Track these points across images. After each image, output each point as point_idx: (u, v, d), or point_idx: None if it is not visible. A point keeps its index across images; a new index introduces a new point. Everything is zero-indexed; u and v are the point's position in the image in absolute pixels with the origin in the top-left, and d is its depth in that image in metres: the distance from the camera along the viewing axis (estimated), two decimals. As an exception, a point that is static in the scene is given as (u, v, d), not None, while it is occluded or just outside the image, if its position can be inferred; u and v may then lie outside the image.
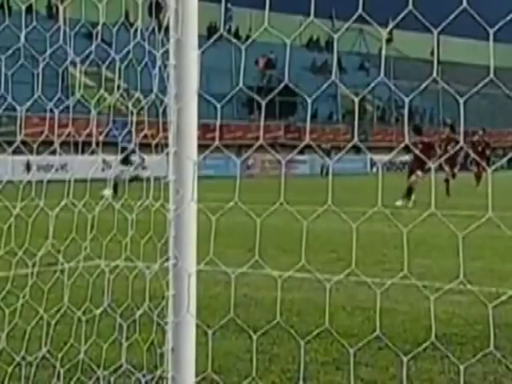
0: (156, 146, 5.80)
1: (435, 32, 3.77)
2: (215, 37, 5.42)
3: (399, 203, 22.71)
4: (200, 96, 5.25)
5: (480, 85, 3.64)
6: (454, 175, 38.91)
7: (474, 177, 32.85)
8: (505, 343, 6.81)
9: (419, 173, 24.45)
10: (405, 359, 5.97)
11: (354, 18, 4.06)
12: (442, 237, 12.53)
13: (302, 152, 45.60)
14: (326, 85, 4.61)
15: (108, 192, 18.14)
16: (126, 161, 22.30)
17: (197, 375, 5.26)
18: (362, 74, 69.17)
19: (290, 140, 54.32)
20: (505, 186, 26.01)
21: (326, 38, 72.01)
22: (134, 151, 16.67)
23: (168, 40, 5.21)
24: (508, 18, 3.51)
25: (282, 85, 4.94)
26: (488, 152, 34.48)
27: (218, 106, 4.90)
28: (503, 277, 9.64)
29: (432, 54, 68.33)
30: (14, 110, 6.08)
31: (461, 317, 7.75)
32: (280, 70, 59.97)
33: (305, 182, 35.68)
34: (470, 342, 6.72)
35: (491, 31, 3.61)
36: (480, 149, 33.78)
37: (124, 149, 17.89)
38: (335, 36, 4.41)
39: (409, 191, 24.08)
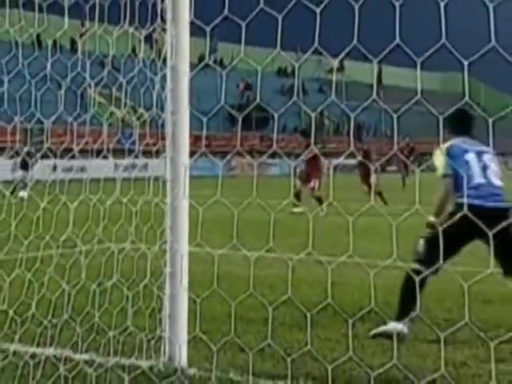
0: (156, 151, 5.78)
1: (375, 61, 3.78)
2: (202, 64, 5.40)
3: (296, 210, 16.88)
4: (191, 112, 5.23)
5: (410, 103, 3.66)
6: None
7: (401, 179, 30.99)
8: (429, 306, 6.84)
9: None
10: (350, 321, 5.99)
11: (311, 50, 4.06)
12: (382, 225, 12.55)
13: (273, 157, 45.74)
14: (289, 103, 4.61)
15: (24, 193, 16.91)
16: (25, 166, 19.86)
17: (188, 335, 5.25)
18: (320, 95, 69.08)
19: (263, 147, 54.35)
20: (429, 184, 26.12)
21: (291, 67, 71.96)
22: (31, 156, 13.43)
23: (165, 67, 5.19)
24: (430, 51, 3.53)
25: (255, 103, 4.92)
26: (412, 157, 32.83)
27: (204, 120, 4.89)
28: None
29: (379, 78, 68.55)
30: (42, 123, 6.04)
31: (397, 287, 7.77)
32: (256, 92, 59.98)
33: (276, 181, 35.57)
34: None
35: (418, 61, 3.63)
36: (406, 153, 32.09)
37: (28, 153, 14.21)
38: (296, 65, 4.43)
39: (319, 199, 17.82)
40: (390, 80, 75.82)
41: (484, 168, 6.02)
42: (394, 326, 5.72)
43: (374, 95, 3.88)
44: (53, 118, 5.96)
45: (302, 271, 8.26)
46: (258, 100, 4.56)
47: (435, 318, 6.38)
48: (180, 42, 5.14)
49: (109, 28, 5.84)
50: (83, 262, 5.64)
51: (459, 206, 5.61)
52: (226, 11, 4.34)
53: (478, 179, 5.94)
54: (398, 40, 3.60)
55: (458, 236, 5.61)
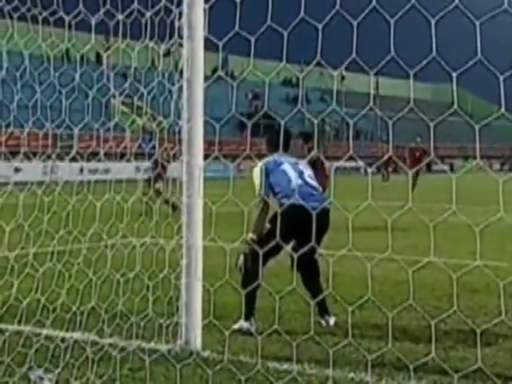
0: (173, 155, 5.79)
1: (372, 73, 3.78)
2: (215, 76, 5.41)
3: None
4: (205, 119, 5.24)
5: (403, 111, 3.66)
6: (388, 176, 37.96)
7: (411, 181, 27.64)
8: (422, 297, 6.83)
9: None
10: (349, 309, 5.98)
11: (314, 63, 4.06)
12: (379, 221, 12.53)
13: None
14: (294, 111, 4.61)
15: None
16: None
17: (203, 321, 5.26)
18: (322, 104, 69.02)
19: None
20: (424, 185, 26.01)
21: (296, 78, 71.90)
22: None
23: (182, 79, 5.20)
24: (422, 64, 3.53)
25: (263, 111, 4.92)
26: (424, 158, 26.75)
27: (217, 126, 4.89)
28: (422, 250, 9.66)
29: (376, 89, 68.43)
30: (71, 129, 6.06)
31: (391, 278, 7.77)
32: (263, 101, 59.96)
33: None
34: (397, 296, 6.73)
35: (411, 72, 3.63)
36: (418, 155, 27.02)
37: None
38: (300, 76, 4.44)
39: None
40: (385, 90, 75.67)
41: (300, 173, 6.14)
42: (242, 324, 5.78)
43: (371, 103, 3.88)
44: (80, 126, 5.97)
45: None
46: (265, 108, 4.56)
47: (427, 306, 6.36)
48: (195, 56, 5.15)
49: (131, 43, 5.86)
50: (108, 255, 5.65)
51: (285, 207, 5.75)
52: (236, 28, 4.35)
53: (297, 182, 6.02)
54: (392, 53, 3.59)
55: (286, 234, 5.59)
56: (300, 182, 6.05)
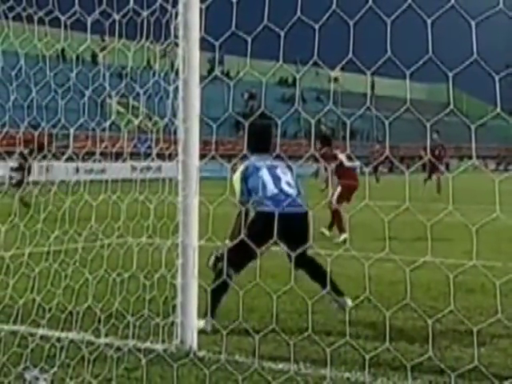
0: (169, 155, 5.78)
1: (368, 73, 3.78)
2: (211, 77, 5.40)
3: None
4: (201, 119, 5.24)
5: (400, 112, 3.66)
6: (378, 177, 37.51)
7: (434, 182, 24.54)
8: (418, 297, 6.84)
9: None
10: (346, 308, 5.98)
11: (311, 62, 4.06)
12: (376, 222, 12.52)
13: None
14: (291, 110, 4.61)
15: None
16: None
17: (199, 321, 5.26)
18: (318, 103, 69.03)
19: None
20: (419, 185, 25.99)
21: (292, 78, 71.93)
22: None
23: (178, 79, 5.20)
24: (418, 64, 3.53)
25: (260, 111, 4.93)
26: (443, 155, 25.24)
27: (214, 126, 4.89)
28: (418, 250, 9.66)
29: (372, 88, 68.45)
30: (67, 129, 6.05)
31: (387, 278, 7.78)
32: (259, 101, 59.97)
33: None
34: (393, 296, 6.74)
35: (408, 72, 3.63)
36: (437, 152, 24.73)
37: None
38: (297, 76, 4.43)
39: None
40: (382, 90, 75.68)
41: (277, 179, 6.14)
42: (201, 323, 5.69)
43: (368, 103, 3.89)
44: (76, 125, 5.96)
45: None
46: (263, 108, 4.57)
47: (423, 306, 6.37)
48: (191, 56, 5.15)
49: (127, 43, 5.85)
50: (104, 255, 5.65)
51: (258, 214, 5.92)
52: (233, 27, 4.34)
53: (272, 190, 6.05)
54: (389, 53, 3.60)
55: (259, 240, 5.60)
56: (275, 190, 6.07)
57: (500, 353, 5.14)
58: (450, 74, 3.57)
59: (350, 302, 6.05)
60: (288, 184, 6.19)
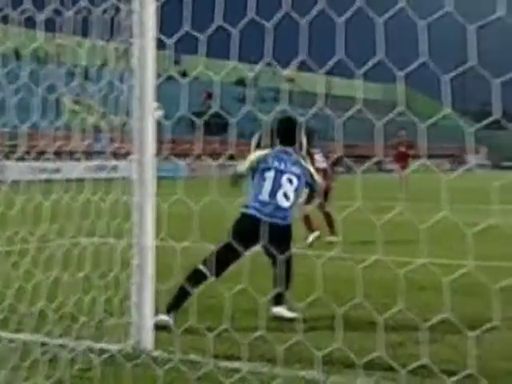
0: (125, 154, 5.74)
1: (321, 73, 3.80)
2: (165, 75, 5.38)
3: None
4: (157, 119, 5.21)
5: (351, 111, 3.70)
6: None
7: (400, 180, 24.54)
8: (371, 293, 6.90)
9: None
10: (300, 305, 5.93)
11: (265, 63, 4.07)
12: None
13: (232, 158, 45.99)
14: (245, 111, 4.62)
15: None
16: None
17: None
18: (276, 103, 69.33)
19: (224, 151, 54.34)
20: (376, 184, 26.31)
21: (249, 78, 72.07)
22: None
23: (133, 77, 5.16)
24: (369, 64, 3.57)
25: (213, 111, 4.90)
26: (411, 152, 24.51)
27: (168, 124, 4.87)
28: (373, 248, 9.72)
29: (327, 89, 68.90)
30: (19, 128, 5.96)
31: (341, 276, 7.83)
32: (217, 101, 59.85)
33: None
34: (346, 294, 6.77)
35: (359, 72, 3.66)
36: (404, 149, 24.60)
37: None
38: (250, 76, 4.46)
39: None
40: (339, 90, 76.24)
41: (277, 188, 6.18)
42: (161, 317, 5.79)
43: (321, 104, 3.92)
44: (29, 124, 5.88)
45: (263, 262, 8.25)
46: (217, 108, 4.56)
47: (375, 304, 6.43)
48: (146, 54, 5.11)
49: (81, 40, 5.79)
50: (57, 255, 5.58)
51: (242, 216, 6.06)
52: (186, 27, 4.33)
53: (266, 197, 6.12)
54: (343, 54, 3.62)
55: (239, 241, 5.73)
56: (267, 199, 6.11)
57: (449, 349, 5.22)
58: (401, 74, 3.61)
59: (288, 313, 6.12)
60: (285, 195, 6.19)
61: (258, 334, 4.79)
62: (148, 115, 5.14)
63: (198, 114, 4.96)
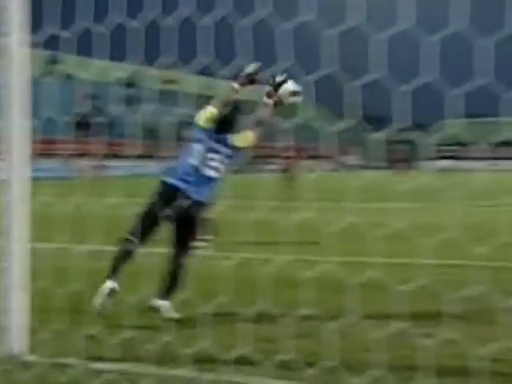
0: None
1: (197, 75, 3.87)
2: (40, 74, 5.31)
3: None
4: (35, 118, 5.12)
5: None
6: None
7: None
8: (243, 290, 7.03)
9: None
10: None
11: (148, 64, 4.11)
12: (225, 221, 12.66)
13: (118, 158, 45.25)
14: (119, 111, 4.63)
15: None
16: None
17: (30, 324, 5.12)
18: (159, 104, 68.77)
19: (109, 151, 53.36)
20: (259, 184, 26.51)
21: (132, 78, 71.22)
22: None
23: (5, 76, 5.06)
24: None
25: (91, 111, 4.89)
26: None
27: (38, 125, 4.81)
28: (253, 247, 9.87)
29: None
30: None
31: (215, 276, 7.93)
32: (100, 101, 58.63)
33: (121, 180, 35.20)
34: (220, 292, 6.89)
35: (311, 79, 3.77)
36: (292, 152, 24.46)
37: None
38: (137, 77, 4.45)
39: None
40: (216, 91, 76.41)
41: (205, 161, 6.17)
42: (107, 284, 5.93)
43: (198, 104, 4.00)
44: None
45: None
46: (89, 108, 4.55)
47: (248, 303, 6.55)
48: (18, 53, 5.02)
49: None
50: None
51: (162, 183, 6.10)
52: (58, 28, 4.30)
53: (192, 167, 6.13)
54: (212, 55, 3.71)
55: (157, 207, 5.94)
56: (190, 169, 6.10)
57: (317, 344, 5.41)
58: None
59: (168, 312, 6.17)
60: (213, 170, 6.17)
61: (129, 334, 4.81)
62: (22, 115, 5.05)
63: (80, 115, 4.94)
